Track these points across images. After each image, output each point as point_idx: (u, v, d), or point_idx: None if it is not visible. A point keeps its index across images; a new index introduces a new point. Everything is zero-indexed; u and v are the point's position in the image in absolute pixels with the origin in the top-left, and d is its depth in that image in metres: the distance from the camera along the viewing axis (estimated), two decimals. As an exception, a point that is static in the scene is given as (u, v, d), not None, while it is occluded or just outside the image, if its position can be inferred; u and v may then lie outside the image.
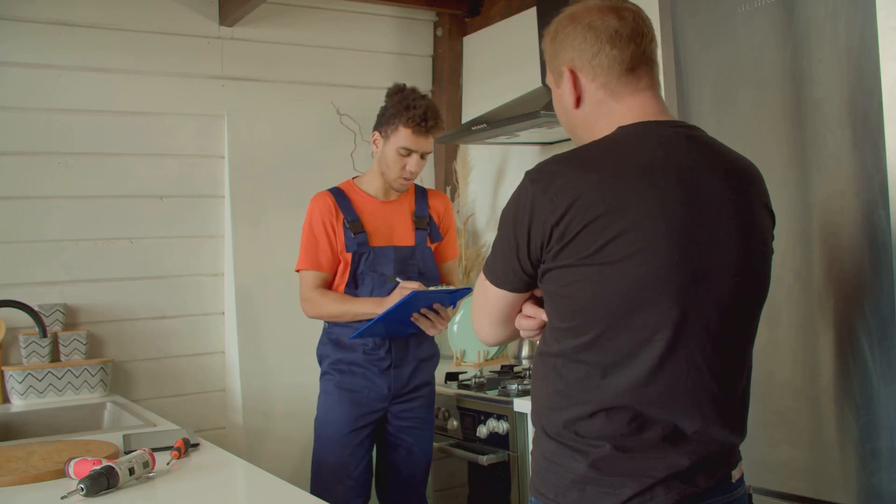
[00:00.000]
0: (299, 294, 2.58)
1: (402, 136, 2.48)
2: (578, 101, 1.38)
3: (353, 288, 2.54)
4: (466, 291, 2.45)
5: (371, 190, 2.62)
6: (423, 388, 2.60)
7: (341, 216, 2.55)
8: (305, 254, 2.56)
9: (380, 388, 2.53)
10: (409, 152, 2.50)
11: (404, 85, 2.57)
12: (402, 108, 2.47)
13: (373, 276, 2.53)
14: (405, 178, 2.55)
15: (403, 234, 2.60)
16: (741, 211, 1.31)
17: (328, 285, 2.57)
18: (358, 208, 2.57)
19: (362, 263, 2.53)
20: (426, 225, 2.64)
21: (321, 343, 2.64)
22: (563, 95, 1.41)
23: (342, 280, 2.55)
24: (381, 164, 2.56)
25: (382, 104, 2.58)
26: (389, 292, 2.48)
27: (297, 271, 2.59)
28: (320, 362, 2.63)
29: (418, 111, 2.46)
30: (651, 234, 1.23)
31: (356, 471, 2.51)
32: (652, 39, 1.37)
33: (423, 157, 2.54)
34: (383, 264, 2.53)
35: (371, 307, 2.46)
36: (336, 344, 2.56)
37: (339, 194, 2.59)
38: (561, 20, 1.40)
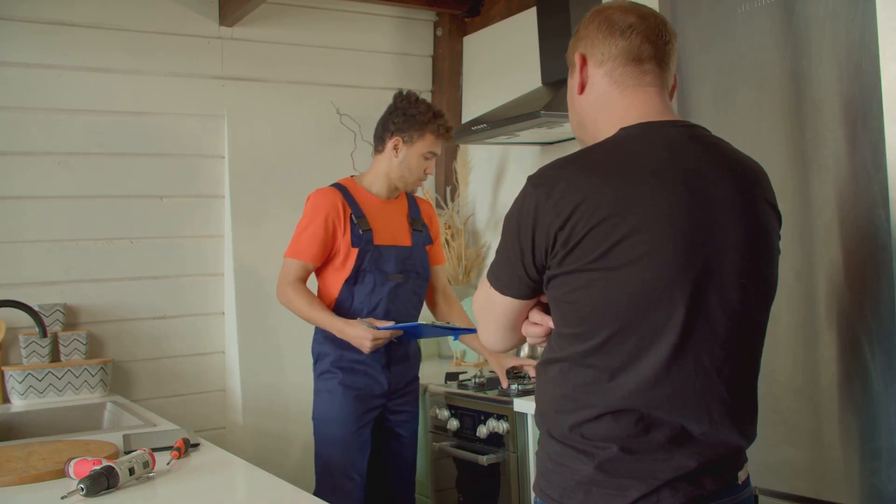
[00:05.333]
0: (279, 278, 2.61)
1: (430, 141, 2.63)
2: (582, 88, 1.40)
3: (353, 284, 2.58)
4: (468, 331, 2.61)
5: (374, 189, 2.69)
6: (413, 383, 2.74)
7: (349, 211, 2.60)
8: (300, 243, 2.58)
9: (382, 385, 2.61)
10: (433, 156, 2.66)
11: (409, 91, 2.69)
12: (431, 116, 2.63)
13: (375, 274, 2.58)
14: (423, 180, 2.70)
15: (402, 235, 2.69)
16: (747, 212, 1.30)
17: (307, 277, 2.61)
18: (362, 206, 2.64)
19: (366, 260, 2.58)
20: (421, 227, 2.74)
21: (317, 341, 2.67)
22: (572, 86, 1.43)
23: (342, 274, 2.59)
24: (401, 167, 2.64)
25: (396, 109, 2.65)
26: (389, 291, 2.59)
27: (286, 257, 2.61)
28: (317, 360, 2.66)
29: (445, 120, 2.67)
30: (656, 237, 1.22)
31: (363, 466, 2.59)
32: (668, 42, 1.36)
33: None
34: (386, 262, 2.60)
35: (332, 330, 2.52)
36: (334, 341, 2.58)
37: (344, 191, 2.64)
38: (586, 16, 1.42)
